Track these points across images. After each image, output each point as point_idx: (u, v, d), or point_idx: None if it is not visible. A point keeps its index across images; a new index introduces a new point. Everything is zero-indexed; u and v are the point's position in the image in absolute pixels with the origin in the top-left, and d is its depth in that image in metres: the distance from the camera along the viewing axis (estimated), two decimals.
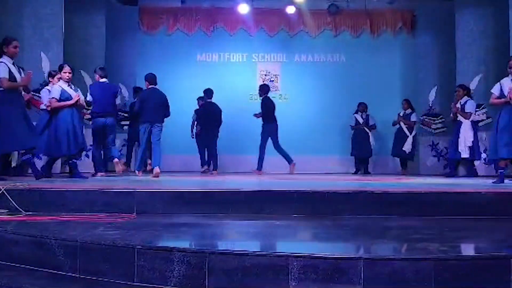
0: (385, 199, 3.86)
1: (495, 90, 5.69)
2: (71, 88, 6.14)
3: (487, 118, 8.29)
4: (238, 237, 3.04)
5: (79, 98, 6.06)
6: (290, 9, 10.48)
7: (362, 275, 2.15)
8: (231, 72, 10.92)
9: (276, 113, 10.92)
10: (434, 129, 9.60)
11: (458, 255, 2.29)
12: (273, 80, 11.03)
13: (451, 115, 7.93)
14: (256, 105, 10.93)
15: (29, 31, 7.79)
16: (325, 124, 10.50)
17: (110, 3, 9.80)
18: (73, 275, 2.51)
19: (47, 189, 4.02)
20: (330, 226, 3.25)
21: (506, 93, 5.46)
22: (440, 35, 9.78)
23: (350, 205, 3.77)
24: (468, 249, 2.52)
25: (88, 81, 8.46)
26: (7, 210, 3.66)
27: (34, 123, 5.84)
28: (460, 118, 7.70)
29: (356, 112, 9.92)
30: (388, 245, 2.60)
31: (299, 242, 2.87)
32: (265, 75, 11.04)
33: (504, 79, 5.69)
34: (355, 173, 9.74)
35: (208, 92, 9.45)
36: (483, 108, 8.30)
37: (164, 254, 2.32)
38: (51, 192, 3.92)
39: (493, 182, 5.46)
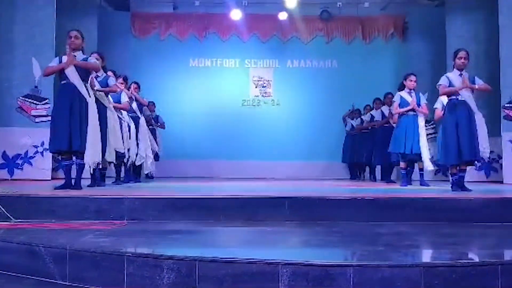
0: (377, 205, 3.87)
1: (444, 82, 5.18)
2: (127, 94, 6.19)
3: None
4: (229, 244, 3.03)
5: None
6: (283, 15, 10.55)
7: (352, 282, 2.15)
8: (223, 78, 10.96)
9: (269, 119, 10.99)
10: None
11: (447, 262, 2.29)
12: (265, 86, 11.06)
13: (379, 120, 7.66)
14: (248, 110, 10.98)
15: (21, 36, 7.75)
16: (318, 129, 10.53)
17: (102, 8, 9.81)
18: (62, 282, 2.49)
19: (37, 196, 3.99)
20: (321, 232, 3.25)
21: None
22: (432, 41, 9.86)
23: (342, 211, 3.77)
24: (457, 256, 2.53)
25: None
26: None
27: None
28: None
29: (372, 109, 8.70)
30: (379, 252, 2.60)
31: (290, 249, 2.87)
32: (258, 80, 11.07)
33: (449, 73, 5.23)
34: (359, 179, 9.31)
35: None
36: None
37: (153, 261, 2.31)
38: (41, 199, 3.89)
39: (453, 190, 5.10)
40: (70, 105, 4.65)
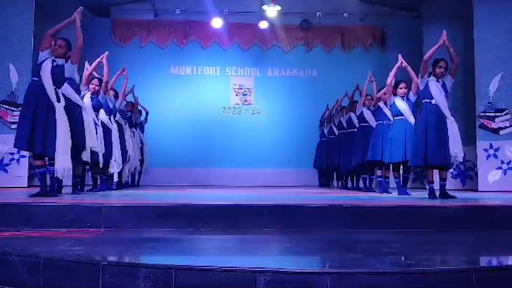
0: (356, 213, 3.89)
1: (421, 84, 5.27)
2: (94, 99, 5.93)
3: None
4: (206, 252, 3.01)
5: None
6: (263, 24, 10.62)
7: None
8: (204, 85, 10.96)
9: (249, 127, 11.00)
10: None
11: (424, 269, 2.31)
12: (246, 94, 11.09)
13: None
14: (229, 118, 10.98)
15: None
16: (298, 137, 10.59)
17: (82, 14, 9.70)
18: None
19: (11, 203, 3.92)
20: (300, 240, 3.26)
21: (433, 94, 5.12)
22: (409, 50, 9.98)
23: (321, 219, 3.78)
24: (433, 263, 2.56)
25: None
26: None
27: None
28: None
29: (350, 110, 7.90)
30: (357, 259, 2.61)
31: (268, 257, 2.87)
32: (239, 88, 11.10)
33: (428, 79, 5.27)
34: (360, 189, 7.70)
35: None
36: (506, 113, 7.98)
37: (129, 270, 2.28)
38: (15, 207, 3.81)
39: (430, 198, 5.14)
40: (35, 105, 4.50)
